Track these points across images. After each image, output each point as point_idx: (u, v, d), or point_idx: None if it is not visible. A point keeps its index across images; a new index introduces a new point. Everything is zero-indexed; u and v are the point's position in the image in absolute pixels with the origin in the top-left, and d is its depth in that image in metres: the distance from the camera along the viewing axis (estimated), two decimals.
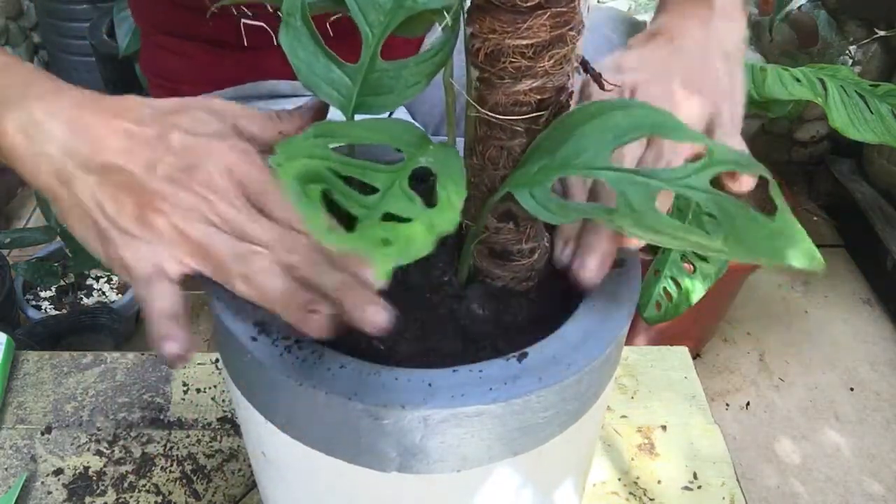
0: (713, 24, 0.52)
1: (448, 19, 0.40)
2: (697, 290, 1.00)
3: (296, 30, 0.40)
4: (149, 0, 0.82)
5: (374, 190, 0.32)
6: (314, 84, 0.40)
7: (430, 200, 0.32)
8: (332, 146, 0.34)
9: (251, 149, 0.40)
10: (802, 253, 0.32)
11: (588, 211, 0.34)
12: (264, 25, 0.76)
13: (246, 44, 0.78)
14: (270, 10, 0.74)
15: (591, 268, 0.39)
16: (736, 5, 0.55)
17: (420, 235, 0.29)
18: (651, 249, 1.05)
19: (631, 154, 0.43)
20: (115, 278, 1.45)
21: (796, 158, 1.84)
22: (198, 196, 0.38)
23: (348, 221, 0.30)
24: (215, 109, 0.42)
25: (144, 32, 0.86)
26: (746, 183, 0.43)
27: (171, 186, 0.38)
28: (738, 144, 0.47)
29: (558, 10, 0.33)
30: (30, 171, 0.40)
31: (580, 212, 0.34)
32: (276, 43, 0.77)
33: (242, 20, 0.76)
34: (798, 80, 1.00)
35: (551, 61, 0.34)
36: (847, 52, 1.67)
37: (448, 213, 0.31)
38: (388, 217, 0.30)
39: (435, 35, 0.41)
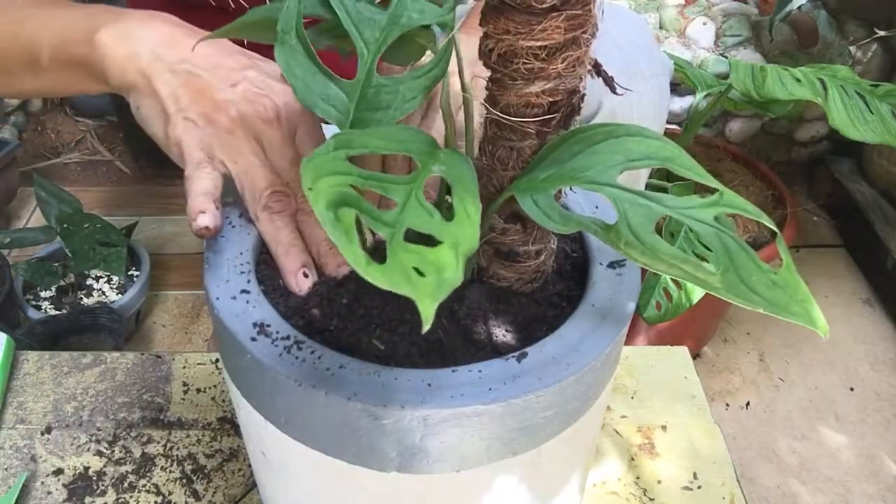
0: None
1: (438, 38, 0.40)
2: (697, 290, 1.00)
3: (291, 47, 0.40)
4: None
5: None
6: (311, 101, 0.40)
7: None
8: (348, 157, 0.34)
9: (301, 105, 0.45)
10: (804, 313, 0.32)
11: (588, 224, 0.34)
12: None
13: (246, 44, 0.77)
14: None
15: None
16: None
17: (449, 262, 0.29)
18: None
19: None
20: (115, 278, 1.45)
21: (796, 158, 1.84)
22: (262, 116, 0.45)
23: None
24: (271, 70, 0.49)
25: None
26: None
27: (243, 101, 0.45)
28: None
29: (573, 12, 0.33)
30: (118, 70, 0.47)
31: (580, 224, 0.34)
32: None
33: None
34: (798, 80, 1.00)
35: (564, 64, 0.34)
36: (847, 52, 1.67)
37: (468, 230, 0.31)
38: (409, 233, 0.30)
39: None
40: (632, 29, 0.82)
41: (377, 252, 0.45)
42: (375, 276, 0.27)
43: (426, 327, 0.26)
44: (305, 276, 0.43)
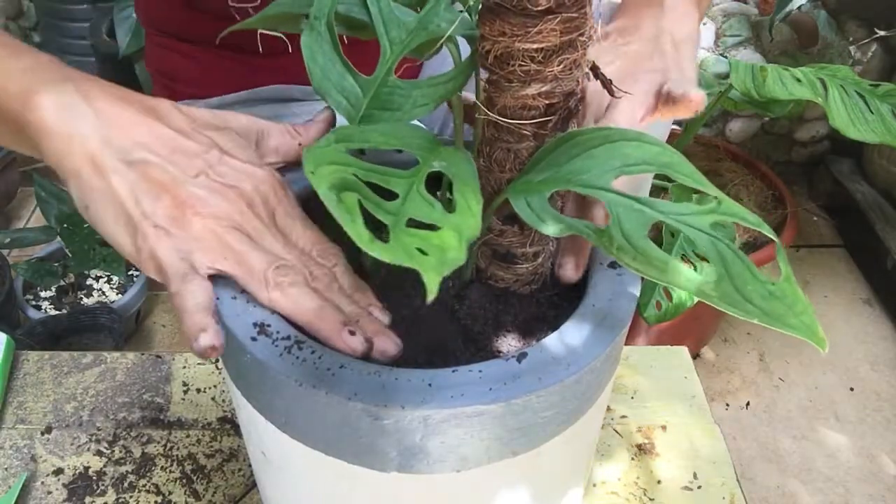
0: (662, 21, 0.57)
1: (461, 48, 0.40)
2: None
3: (319, 34, 0.40)
4: (159, 4, 0.80)
5: (391, 194, 0.33)
6: (325, 90, 0.40)
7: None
8: (349, 150, 0.34)
9: (282, 179, 0.42)
10: (802, 325, 0.31)
11: (580, 227, 0.34)
12: (282, 35, 0.75)
13: (261, 50, 0.77)
14: None
15: (569, 268, 0.43)
16: (687, 3, 0.60)
17: (452, 244, 0.30)
18: None
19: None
20: (115, 278, 1.45)
21: (796, 158, 1.84)
22: (235, 208, 0.40)
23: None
24: (243, 125, 0.44)
25: (149, 33, 0.85)
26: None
27: (212, 195, 0.40)
28: (690, 83, 0.51)
29: (569, 15, 0.33)
30: (59, 150, 0.40)
31: (572, 227, 0.34)
32: (290, 50, 0.77)
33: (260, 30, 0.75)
34: (798, 80, 1.00)
35: (560, 66, 0.34)
36: (847, 52, 1.67)
37: (470, 219, 0.32)
38: (411, 223, 0.31)
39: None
40: None
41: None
42: (379, 251, 0.28)
43: (430, 297, 0.27)
44: (352, 333, 0.38)
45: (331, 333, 0.38)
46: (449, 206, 0.34)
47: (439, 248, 0.29)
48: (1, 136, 0.44)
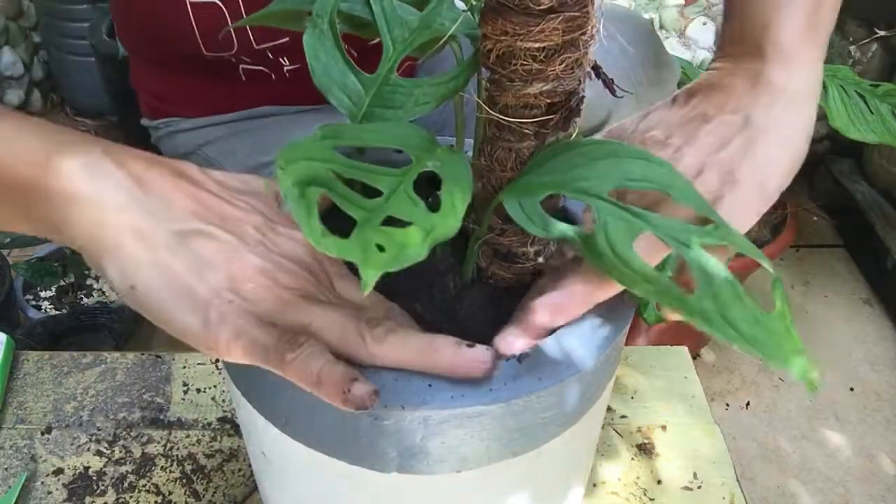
0: (763, 78, 0.43)
1: (463, 47, 0.40)
2: None
3: (322, 32, 0.40)
4: (135, 35, 0.79)
5: (378, 193, 0.32)
6: (327, 87, 0.40)
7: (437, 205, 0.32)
8: (337, 147, 0.34)
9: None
10: (792, 361, 0.29)
11: (567, 232, 0.33)
12: (264, 69, 0.75)
13: (244, 79, 0.77)
14: (270, 58, 0.74)
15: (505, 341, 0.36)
16: (799, 49, 0.43)
17: (414, 241, 0.29)
18: None
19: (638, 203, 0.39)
20: None
21: None
22: (303, 277, 0.36)
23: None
24: (261, 187, 0.40)
25: (134, 55, 0.84)
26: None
27: (274, 264, 0.36)
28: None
29: (571, 14, 0.33)
30: (92, 221, 0.33)
31: (560, 231, 0.33)
32: (273, 78, 0.76)
33: (241, 65, 0.75)
34: None
35: (562, 65, 0.34)
36: (847, 52, 1.67)
37: (449, 219, 0.31)
38: (390, 221, 0.30)
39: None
40: (640, 35, 0.82)
41: None
42: (329, 247, 0.27)
43: (365, 291, 0.26)
44: (470, 345, 0.35)
45: (452, 357, 0.34)
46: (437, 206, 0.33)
47: (399, 245, 0.29)
48: (13, 219, 0.36)
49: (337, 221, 0.31)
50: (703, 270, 0.31)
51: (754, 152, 0.42)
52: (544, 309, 0.36)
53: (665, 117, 0.44)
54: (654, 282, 0.31)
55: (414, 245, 0.29)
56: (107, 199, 0.33)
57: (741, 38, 0.45)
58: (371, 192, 0.32)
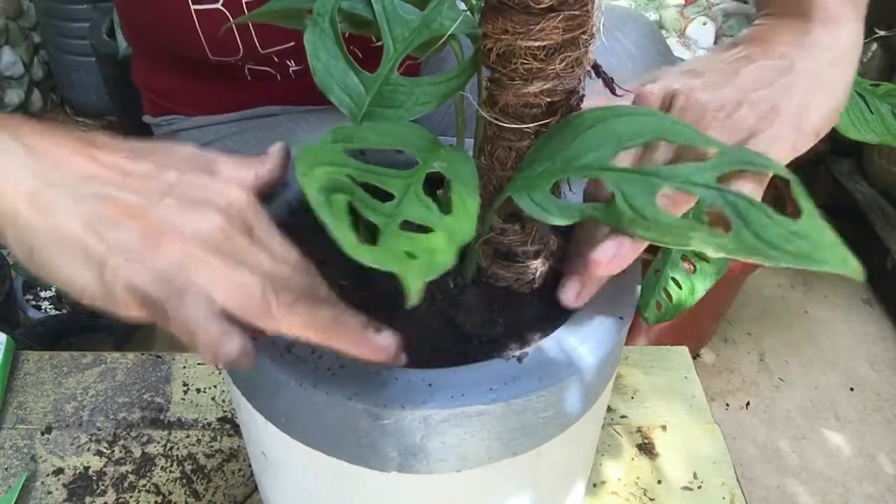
0: (806, 34, 0.45)
1: (464, 46, 0.40)
2: (697, 290, 0.99)
3: (322, 31, 0.40)
4: (141, 33, 0.79)
5: (388, 195, 0.32)
6: (328, 86, 0.40)
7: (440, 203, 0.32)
8: (347, 150, 0.34)
9: (248, 192, 0.37)
10: (834, 257, 0.29)
11: (588, 210, 0.34)
12: (269, 70, 0.75)
13: (249, 79, 0.77)
14: (276, 60, 0.74)
15: (570, 293, 0.40)
16: (839, 8, 0.46)
17: (441, 247, 0.29)
18: (651, 249, 1.05)
19: (632, 157, 0.41)
20: None
21: (796, 158, 1.84)
22: (213, 226, 0.34)
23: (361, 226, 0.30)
24: (190, 153, 0.39)
25: (137, 51, 0.84)
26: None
27: (185, 215, 0.34)
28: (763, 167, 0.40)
29: (571, 13, 0.33)
30: None
31: (581, 211, 0.34)
32: (279, 79, 0.76)
33: (247, 66, 0.75)
34: None
35: (563, 64, 0.34)
36: None
37: (465, 222, 0.31)
38: (406, 224, 0.31)
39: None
40: (644, 36, 0.81)
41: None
42: (364, 256, 0.28)
43: (413, 302, 0.26)
44: (378, 330, 0.33)
45: (357, 338, 0.33)
46: (447, 207, 0.34)
47: (428, 252, 0.29)
48: None
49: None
50: (729, 203, 0.31)
51: (794, 93, 0.43)
52: (603, 257, 0.37)
53: (707, 60, 0.46)
54: (690, 229, 0.31)
55: (441, 251, 0.29)
56: (4, 173, 0.34)
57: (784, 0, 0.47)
58: (376, 194, 0.32)
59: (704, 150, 0.35)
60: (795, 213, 0.31)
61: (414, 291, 0.27)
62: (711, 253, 0.30)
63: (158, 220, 0.34)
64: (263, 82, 0.77)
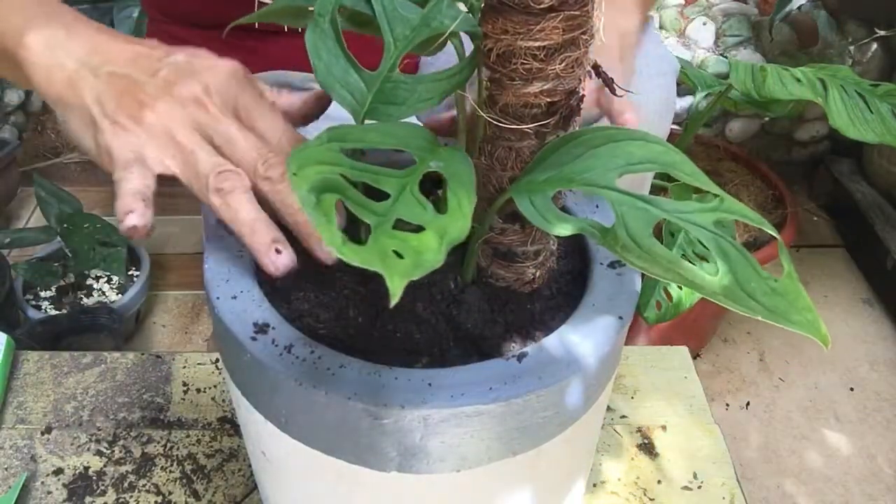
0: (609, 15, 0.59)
1: (465, 44, 0.40)
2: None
3: (323, 31, 0.41)
4: None
5: (384, 195, 0.32)
6: (329, 85, 0.40)
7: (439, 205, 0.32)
8: (343, 149, 0.34)
9: (244, 69, 0.44)
10: (805, 322, 0.31)
11: (585, 227, 0.34)
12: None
13: (257, 27, 0.77)
14: None
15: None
16: (632, 3, 0.65)
17: (431, 246, 0.29)
18: None
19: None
20: (115, 278, 1.45)
21: (796, 158, 1.84)
22: (192, 100, 0.42)
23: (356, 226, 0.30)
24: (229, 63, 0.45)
25: (151, 18, 0.86)
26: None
27: (168, 88, 0.42)
28: (628, 84, 0.56)
29: (571, 13, 0.33)
30: (43, 80, 0.44)
31: (577, 226, 0.34)
32: (286, 29, 0.77)
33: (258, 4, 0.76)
34: (798, 80, 1.00)
35: (563, 64, 0.34)
36: (847, 52, 1.67)
37: (459, 221, 0.31)
38: (400, 223, 0.31)
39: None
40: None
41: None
42: (350, 255, 0.28)
43: (393, 301, 0.26)
44: (279, 251, 0.39)
45: (258, 251, 0.39)
46: (443, 206, 0.34)
47: (416, 251, 0.29)
48: (7, 73, 0.49)
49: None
50: (720, 249, 0.33)
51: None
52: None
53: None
54: (678, 267, 0.32)
55: (430, 251, 0.29)
56: (54, 63, 0.44)
57: None
58: (373, 194, 0.32)
59: (706, 190, 0.35)
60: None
61: (395, 290, 0.27)
62: (695, 291, 0.32)
63: (145, 95, 0.42)
64: (272, 40, 0.78)
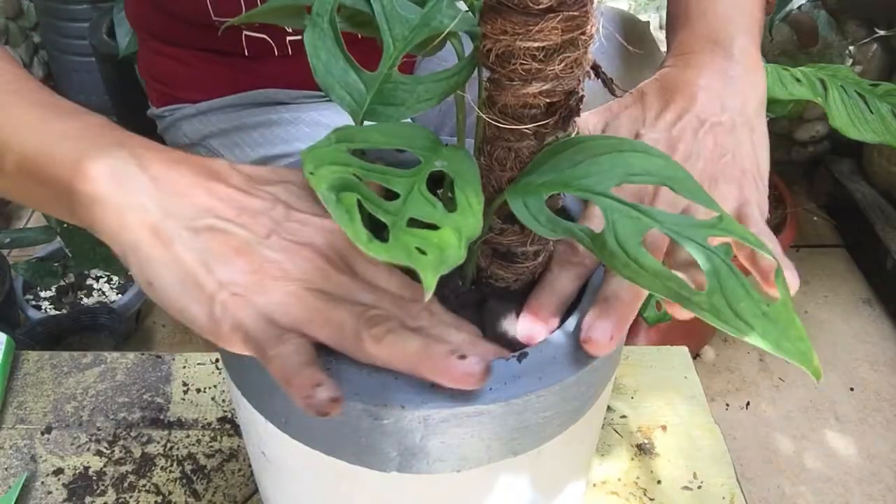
0: (735, 80, 0.48)
1: (465, 44, 0.41)
2: None
3: (322, 31, 0.41)
4: (145, 9, 0.82)
5: (392, 194, 0.33)
6: (329, 85, 0.40)
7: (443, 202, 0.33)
8: (350, 150, 0.34)
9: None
10: (797, 352, 0.30)
11: (574, 231, 0.34)
12: (266, 38, 0.76)
13: (247, 54, 0.78)
14: (273, 25, 0.75)
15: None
16: (754, 52, 0.50)
17: (452, 242, 0.30)
18: None
19: (636, 194, 0.43)
20: (115, 278, 1.45)
21: (796, 158, 1.84)
22: (313, 266, 0.36)
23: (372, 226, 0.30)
24: (301, 179, 0.40)
25: (141, 38, 0.87)
26: (763, 271, 0.40)
27: (288, 256, 0.36)
28: (769, 240, 0.42)
29: (570, 13, 0.33)
30: (114, 223, 0.36)
31: (567, 230, 0.34)
32: (276, 54, 0.77)
33: (245, 32, 0.76)
34: (798, 80, 1.00)
35: (562, 65, 0.34)
36: (847, 52, 1.67)
37: (470, 219, 0.32)
38: (412, 222, 0.31)
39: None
40: (635, 35, 0.82)
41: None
42: (377, 251, 0.28)
43: (428, 295, 0.27)
44: (463, 357, 0.34)
45: (442, 367, 0.33)
46: (450, 205, 0.34)
47: (438, 247, 0.29)
48: (49, 206, 0.40)
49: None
50: (711, 266, 0.32)
51: (746, 151, 0.46)
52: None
53: (652, 130, 0.47)
54: (666, 279, 0.31)
55: (452, 247, 0.30)
56: (128, 204, 0.36)
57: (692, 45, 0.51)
58: (384, 194, 0.33)
59: (708, 209, 0.34)
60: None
61: (429, 283, 0.27)
62: (682, 305, 0.31)
63: (263, 260, 0.36)
64: (261, 60, 0.78)
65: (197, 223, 0.36)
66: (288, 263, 0.36)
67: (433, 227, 0.32)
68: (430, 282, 0.27)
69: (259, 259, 0.36)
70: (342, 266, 0.37)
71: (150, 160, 0.37)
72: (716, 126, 0.46)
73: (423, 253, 0.29)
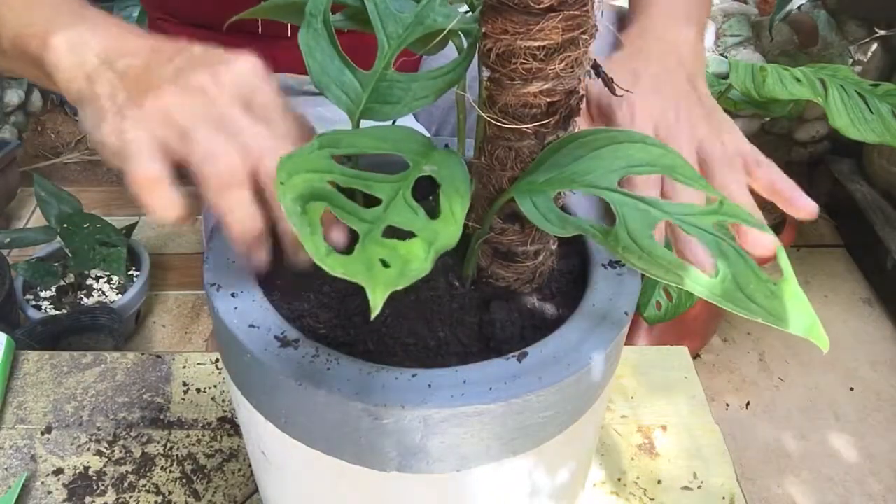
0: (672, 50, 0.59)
1: (464, 42, 0.41)
2: None
3: (316, 31, 0.41)
4: None
5: (377, 201, 0.32)
6: (325, 85, 0.40)
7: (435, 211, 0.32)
8: (335, 156, 0.34)
9: (263, 66, 0.43)
10: (804, 325, 0.32)
11: (586, 228, 0.34)
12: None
13: (260, 31, 0.78)
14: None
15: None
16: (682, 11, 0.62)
17: (418, 255, 0.29)
18: None
19: (643, 184, 0.47)
20: (115, 278, 1.45)
21: (796, 158, 1.84)
22: (199, 89, 0.41)
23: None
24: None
25: (152, 19, 0.86)
26: (756, 243, 0.42)
27: (177, 76, 0.41)
28: (740, 140, 0.52)
29: (571, 13, 0.33)
30: (66, 79, 0.44)
31: (578, 227, 0.34)
32: (289, 34, 0.77)
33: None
34: (798, 80, 1.00)
35: (562, 64, 0.34)
36: (847, 52, 1.67)
37: (450, 227, 0.31)
38: (391, 230, 0.30)
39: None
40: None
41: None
42: (333, 265, 0.27)
43: (374, 314, 0.26)
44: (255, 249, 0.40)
45: (241, 243, 0.39)
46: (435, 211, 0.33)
47: (403, 260, 0.29)
48: (29, 73, 0.49)
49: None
50: (719, 251, 0.33)
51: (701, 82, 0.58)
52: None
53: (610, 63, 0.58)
54: (679, 269, 0.32)
55: (418, 259, 0.29)
56: (78, 63, 0.44)
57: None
58: (369, 200, 0.32)
59: (707, 195, 0.35)
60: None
61: (376, 302, 0.26)
62: (695, 293, 0.32)
63: (159, 81, 0.41)
64: (274, 41, 0.77)
65: (117, 61, 0.43)
66: (173, 85, 0.41)
67: (413, 235, 0.31)
68: (377, 300, 0.26)
69: (153, 79, 0.41)
70: (232, 96, 0.41)
71: (101, 26, 0.45)
72: (665, 65, 0.57)
73: (387, 266, 0.28)
